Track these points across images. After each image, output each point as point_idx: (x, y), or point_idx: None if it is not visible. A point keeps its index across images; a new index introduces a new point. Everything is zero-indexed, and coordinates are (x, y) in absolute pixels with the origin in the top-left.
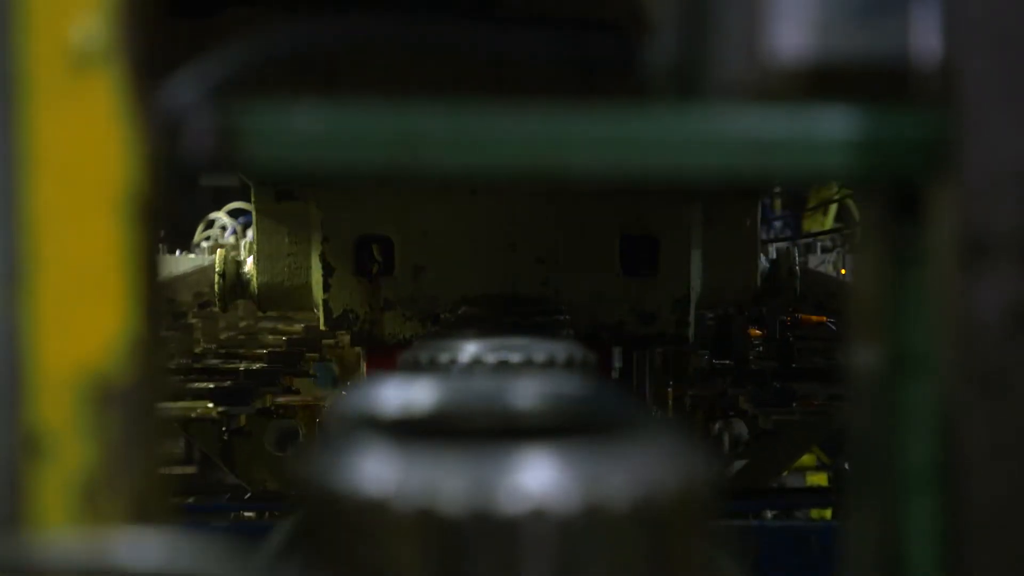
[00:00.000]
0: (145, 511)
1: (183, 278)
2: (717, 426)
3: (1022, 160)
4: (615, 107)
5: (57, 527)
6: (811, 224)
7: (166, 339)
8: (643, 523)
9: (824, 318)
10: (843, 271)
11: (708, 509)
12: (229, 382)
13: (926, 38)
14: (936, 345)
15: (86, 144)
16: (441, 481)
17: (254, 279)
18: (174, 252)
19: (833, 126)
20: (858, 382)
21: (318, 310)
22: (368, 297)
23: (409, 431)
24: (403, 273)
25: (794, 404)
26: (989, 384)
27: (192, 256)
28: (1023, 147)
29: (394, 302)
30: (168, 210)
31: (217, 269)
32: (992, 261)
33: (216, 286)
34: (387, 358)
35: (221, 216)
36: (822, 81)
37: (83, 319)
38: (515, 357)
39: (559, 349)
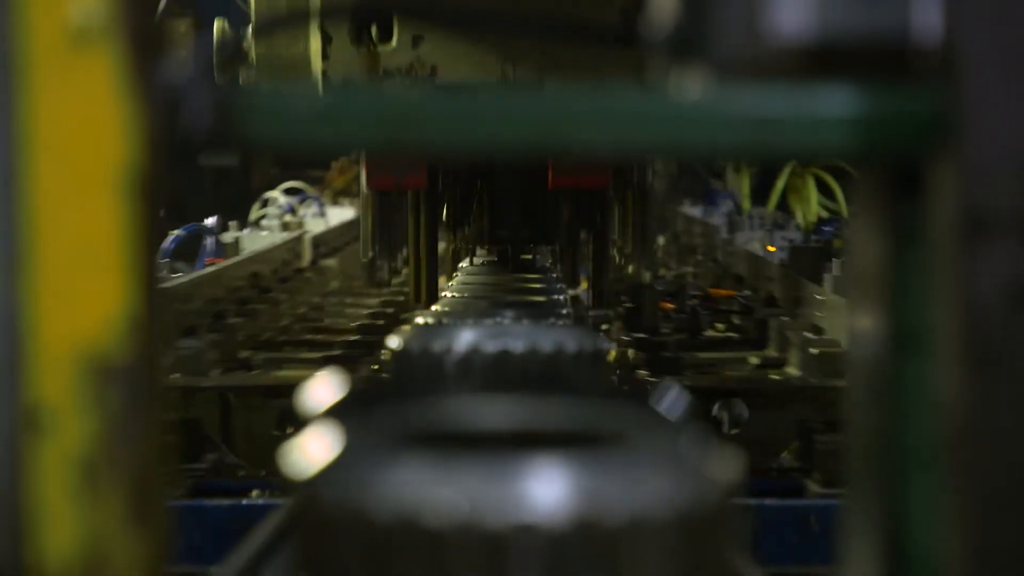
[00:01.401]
0: (145, 487)
1: (264, 254)
2: (716, 406)
3: (1022, 137)
4: (611, 84)
5: (57, 502)
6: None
7: (164, 316)
8: (658, 538)
9: (734, 292)
10: (770, 248)
11: (718, 525)
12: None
13: (926, 16)
14: (936, 322)
15: (85, 121)
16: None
17: (252, 49)
18: (241, 229)
19: (833, 104)
20: (858, 360)
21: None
22: (367, 66)
23: (418, 447)
24: (402, 42)
25: (685, 372)
26: (989, 362)
27: (264, 233)
28: (1023, 124)
29: (393, 71)
30: (168, 187)
31: None
32: (992, 238)
33: None
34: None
35: (276, 195)
36: (822, 59)
37: (82, 296)
38: (517, 346)
39: (565, 337)
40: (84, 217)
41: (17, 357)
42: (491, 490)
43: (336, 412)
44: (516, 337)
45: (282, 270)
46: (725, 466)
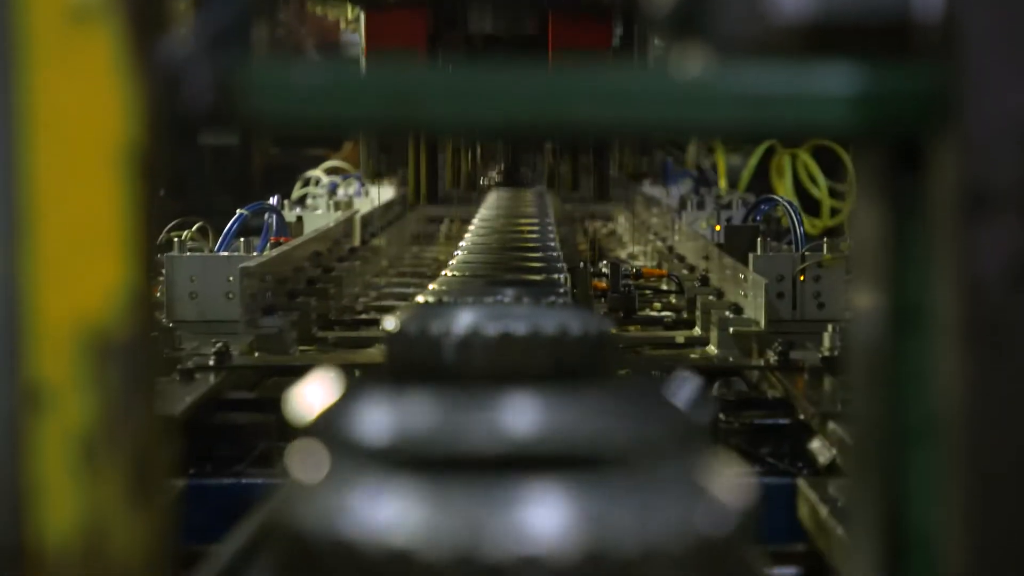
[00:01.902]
0: (145, 464)
1: (324, 233)
2: (715, 385)
3: (1023, 113)
4: (610, 62)
5: (57, 479)
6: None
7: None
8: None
9: (665, 272)
10: (717, 227)
11: (733, 550)
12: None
13: None
14: (937, 300)
15: (85, 99)
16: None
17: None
18: (293, 209)
19: (834, 81)
20: (859, 336)
21: None
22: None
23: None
24: None
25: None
26: (989, 339)
27: (319, 212)
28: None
29: None
30: (167, 165)
31: None
32: (993, 214)
33: None
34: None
35: (318, 174)
36: (823, 36)
37: (82, 273)
38: (519, 328)
39: (570, 318)
40: (84, 195)
41: (17, 334)
42: (491, 518)
43: (325, 422)
44: (518, 319)
45: (337, 249)
46: (737, 481)
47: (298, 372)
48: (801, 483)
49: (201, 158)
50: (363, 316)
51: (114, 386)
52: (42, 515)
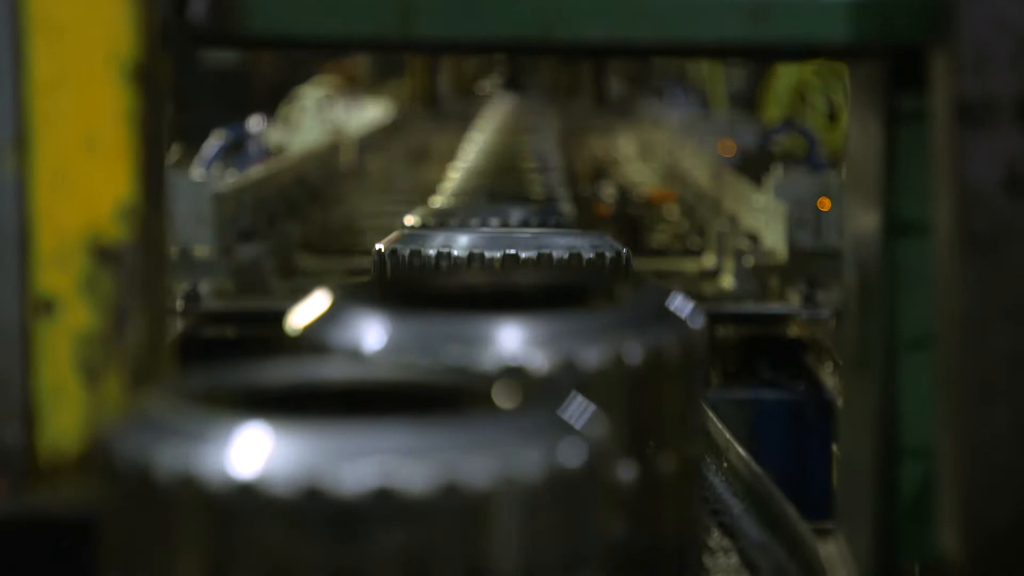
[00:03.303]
0: (147, 367)
1: (311, 156)
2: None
3: (1020, 23)
4: None
5: (63, 382)
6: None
7: (167, 205)
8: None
9: (674, 194)
10: (728, 148)
11: (581, 491)
12: None
13: None
14: (932, 208)
15: (88, 8)
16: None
17: None
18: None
19: None
20: (855, 247)
21: None
22: None
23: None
24: None
25: None
26: (985, 247)
27: (307, 131)
28: (1021, 10)
29: None
30: (170, 80)
31: None
32: (989, 125)
33: None
34: None
35: (308, 91)
36: None
37: (86, 185)
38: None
39: (576, 242)
40: (86, 105)
41: (24, 244)
42: (339, 456)
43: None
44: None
45: (326, 172)
46: (599, 422)
47: (273, 316)
48: None
49: (202, 75)
50: (348, 245)
51: (116, 295)
52: (49, 415)
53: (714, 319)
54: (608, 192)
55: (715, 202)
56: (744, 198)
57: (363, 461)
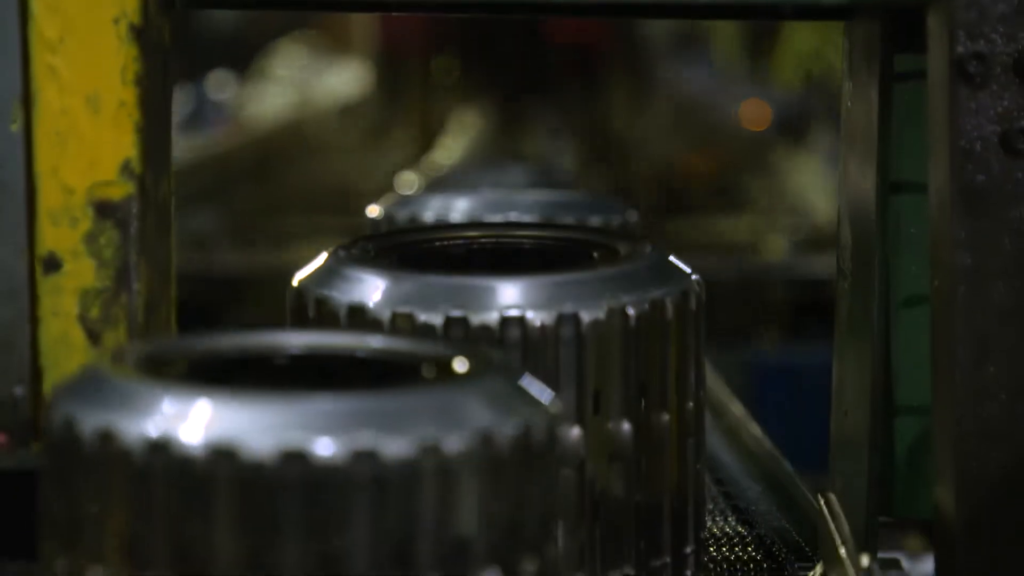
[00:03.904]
0: (149, 327)
1: (276, 120)
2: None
3: None
4: None
5: (66, 338)
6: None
7: (171, 166)
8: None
9: (713, 161)
10: (753, 109)
11: (517, 466)
12: None
13: None
14: (927, 167)
15: None
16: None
17: None
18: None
19: None
20: (850, 206)
21: None
22: None
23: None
24: None
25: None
26: (978, 202)
27: (272, 94)
28: None
29: None
30: (172, 37)
31: None
32: (985, 82)
33: None
34: None
35: (283, 47)
36: None
37: (90, 143)
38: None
39: (579, 204)
40: (91, 64)
41: (30, 201)
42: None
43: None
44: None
45: (292, 138)
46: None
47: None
48: None
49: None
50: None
51: (123, 252)
52: (54, 371)
53: (762, 283)
54: (641, 161)
55: (759, 164)
56: (788, 160)
57: (273, 428)
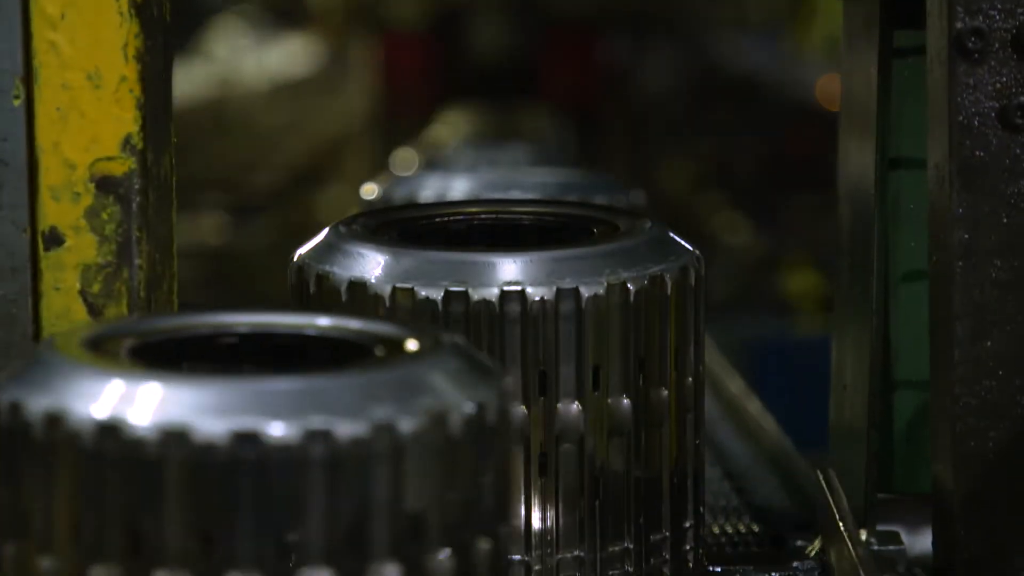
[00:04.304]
0: (151, 303)
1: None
2: None
3: None
4: None
5: (68, 313)
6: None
7: (172, 142)
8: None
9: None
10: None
11: (465, 445)
12: None
13: None
14: (926, 143)
15: None
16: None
17: None
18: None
19: None
20: (849, 181)
21: None
22: None
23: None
24: None
25: None
26: (976, 178)
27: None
28: None
29: None
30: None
31: None
32: (983, 57)
33: None
34: None
35: (229, 21)
36: None
37: (91, 119)
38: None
39: (579, 182)
40: (92, 40)
41: (32, 176)
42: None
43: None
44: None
45: (208, 118)
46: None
47: None
48: None
49: None
50: None
51: (124, 227)
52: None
53: None
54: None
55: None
56: None
57: (224, 410)
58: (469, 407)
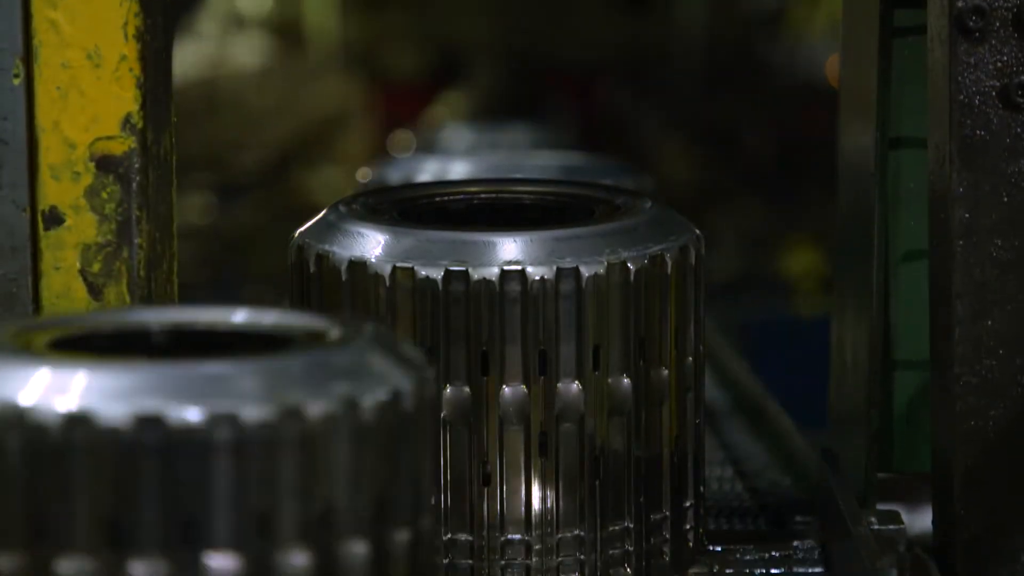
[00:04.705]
0: (151, 282)
1: None
2: None
3: None
4: None
5: (68, 292)
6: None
7: (172, 121)
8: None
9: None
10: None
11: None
12: None
13: None
14: (926, 122)
15: None
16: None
17: None
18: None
19: None
20: (849, 161)
21: None
22: None
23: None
24: None
25: None
26: (977, 156)
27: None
28: None
29: None
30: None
31: None
32: (984, 35)
33: None
34: None
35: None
36: None
37: (91, 98)
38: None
39: (580, 164)
40: (91, 19)
41: (32, 156)
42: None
43: None
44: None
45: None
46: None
47: None
48: None
49: None
50: None
51: (124, 206)
52: None
53: None
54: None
55: None
56: None
57: (128, 395)
58: (383, 394)
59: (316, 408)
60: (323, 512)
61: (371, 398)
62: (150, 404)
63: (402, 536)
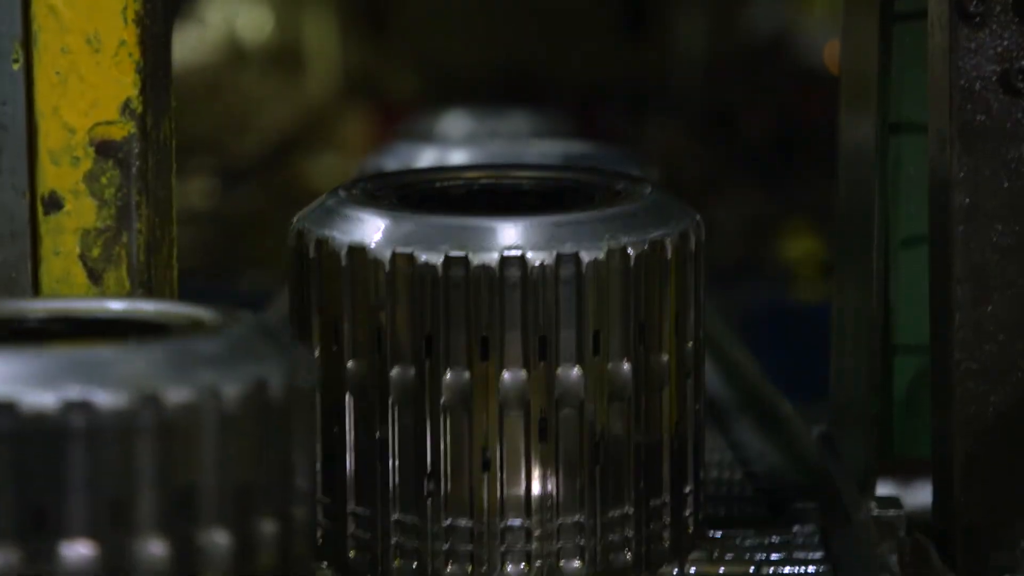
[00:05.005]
0: (150, 267)
1: None
2: None
3: None
4: None
5: (68, 277)
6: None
7: (172, 106)
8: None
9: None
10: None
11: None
12: None
13: None
14: (926, 107)
15: None
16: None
17: None
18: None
19: None
20: (849, 147)
21: None
22: None
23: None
24: None
25: None
26: (977, 141)
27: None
28: None
29: None
30: None
31: None
32: (984, 22)
33: None
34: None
35: None
36: None
37: (91, 83)
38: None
39: (580, 151)
40: (91, 3)
41: (32, 141)
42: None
43: None
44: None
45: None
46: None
47: None
48: None
49: None
50: None
51: (124, 191)
52: None
53: None
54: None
55: None
56: None
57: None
58: (249, 383)
59: (176, 395)
60: (182, 501)
61: (235, 387)
62: (4, 390)
63: (269, 527)
